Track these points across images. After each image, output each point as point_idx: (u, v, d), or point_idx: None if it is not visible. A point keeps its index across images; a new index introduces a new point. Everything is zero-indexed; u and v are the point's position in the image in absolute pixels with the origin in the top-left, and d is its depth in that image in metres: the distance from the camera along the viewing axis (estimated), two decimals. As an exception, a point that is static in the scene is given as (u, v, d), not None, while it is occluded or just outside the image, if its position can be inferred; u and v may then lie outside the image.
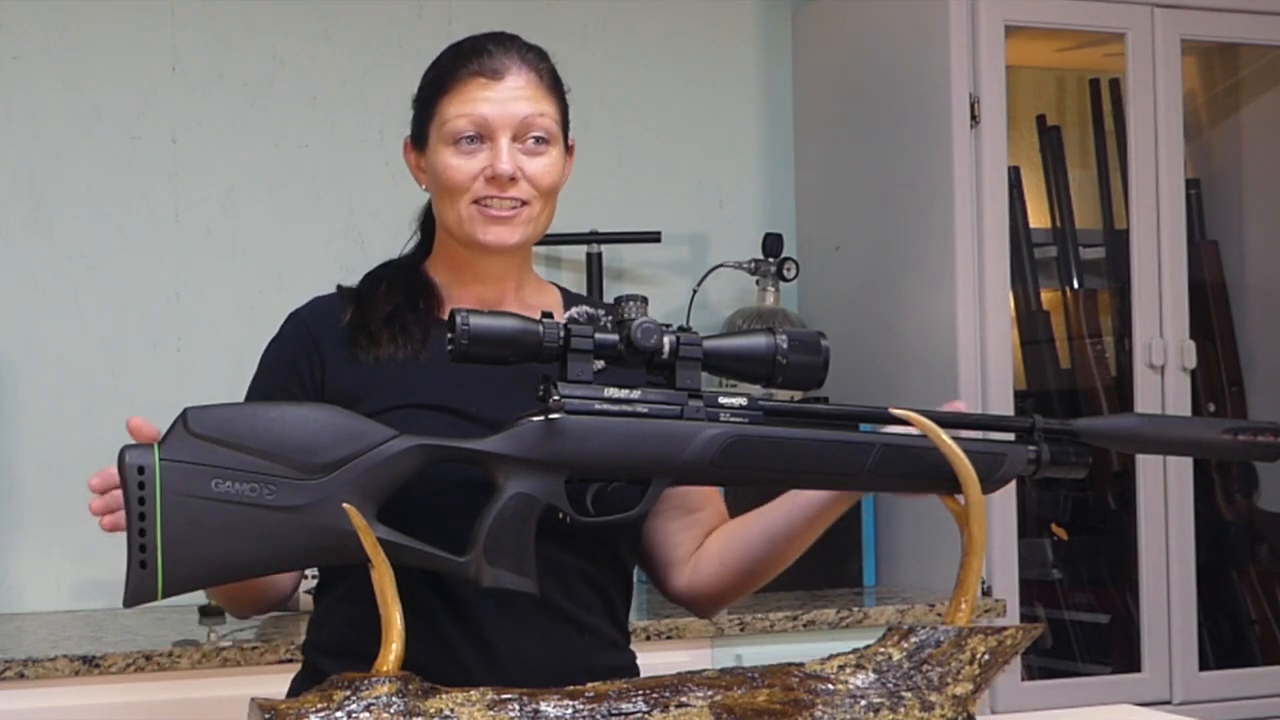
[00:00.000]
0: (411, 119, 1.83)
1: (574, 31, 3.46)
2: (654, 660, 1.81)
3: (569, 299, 1.89)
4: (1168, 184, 3.28)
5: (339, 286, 1.84)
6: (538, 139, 1.75)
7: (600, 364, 1.54)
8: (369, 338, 1.75)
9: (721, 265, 3.45)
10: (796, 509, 1.77)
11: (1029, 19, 3.25)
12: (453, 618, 1.68)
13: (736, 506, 3.19)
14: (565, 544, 1.68)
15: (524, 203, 1.74)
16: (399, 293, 1.79)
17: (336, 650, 1.71)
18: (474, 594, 1.62)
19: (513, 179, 1.72)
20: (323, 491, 1.43)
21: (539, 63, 1.78)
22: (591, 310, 1.55)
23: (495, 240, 1.74)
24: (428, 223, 1.87)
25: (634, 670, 1.78)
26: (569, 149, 1.82)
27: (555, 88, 1.79)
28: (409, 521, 1.50)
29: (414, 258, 1.86)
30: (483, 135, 1.73)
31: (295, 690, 1.74)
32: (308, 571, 2.22)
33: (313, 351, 1.76)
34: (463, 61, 1.76)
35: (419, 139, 1.80)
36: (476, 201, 1.73)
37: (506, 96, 1.73)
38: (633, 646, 1.84)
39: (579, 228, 3.33)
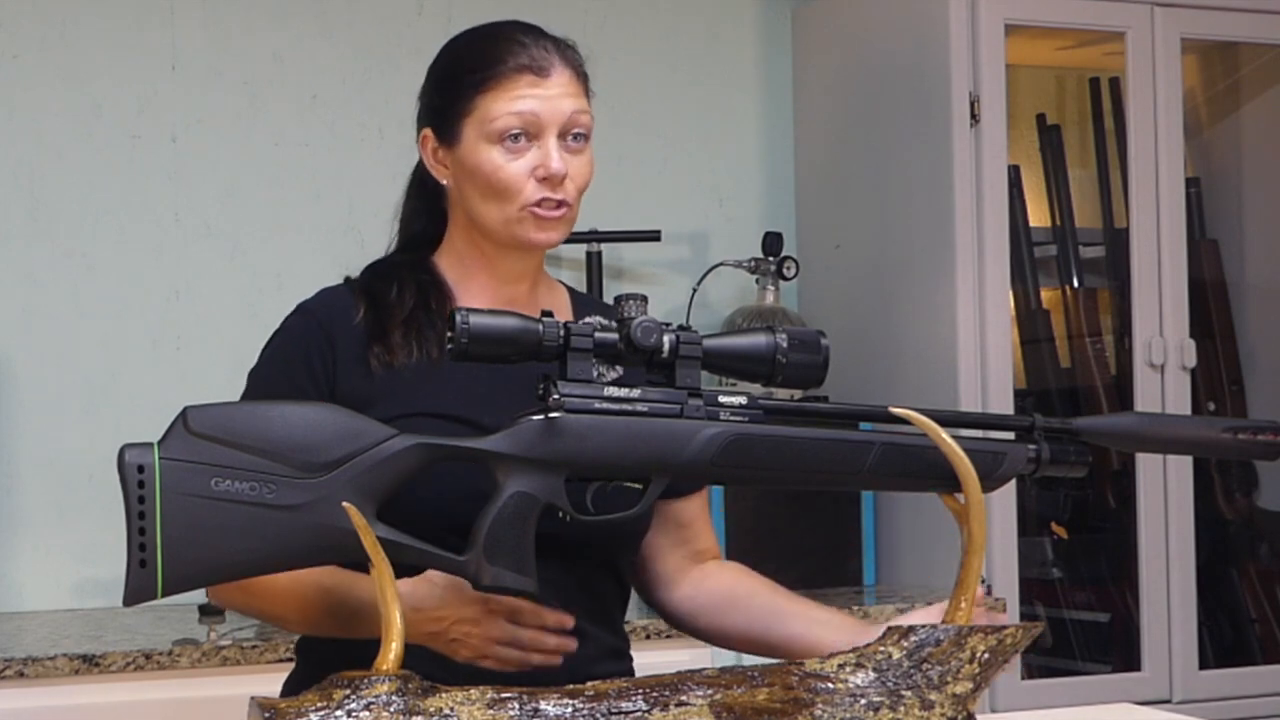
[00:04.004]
0: (428, 109, 1.77)
1: (573, 31, 3.41)
2: (654, 660, 1.81)
3: (576, 299, 1.88)
4: (1167, 183, 3.28)
5: (347, 279, 1.79)
6: (577, 136, 1.73)
7: (612, 374, 1.53)
8: (385, 346, 1.71)
9: (721, 264, 3.45)
10: (789, 647, 1.76)
11: (1029, 18, 3.26)
12: None
13: (737, 506, 3.18)
14: (563, 557, 1.67)
15: (567, 203, 1.73)
16: (412, 294, 1.74)
17: (331, 655, 1.68)
18: None
19: (563, 178, 1.71)
20: (322, 490, 1.42)
21: (575, 57, 1.77)
22: (604, 321, 1.53)
23: (545, 240, 1.73)
24: (427, 216, 1.82)
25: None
26: None
27: (587, 83, 1.78)
28: (409, 521, 1.49)
29: (421, 252, 1.81)
30: (529, 133, 1.70)
31: (288, 691, 1.74)
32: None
33: (326, 350, 1.72)
34: (503, 55, 1.71)
35: (446, 133, 1.74)
36: (529, 205, 1.70)
37: (555, 93, 1.71)
38: (633, 646, 1.85)
39: (579, 226, 3.27)
